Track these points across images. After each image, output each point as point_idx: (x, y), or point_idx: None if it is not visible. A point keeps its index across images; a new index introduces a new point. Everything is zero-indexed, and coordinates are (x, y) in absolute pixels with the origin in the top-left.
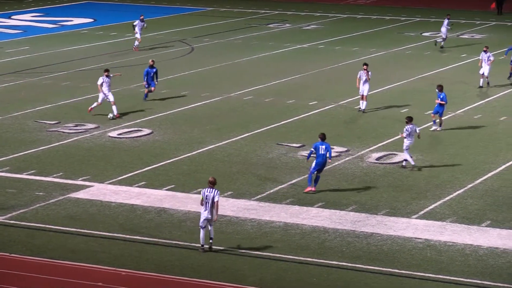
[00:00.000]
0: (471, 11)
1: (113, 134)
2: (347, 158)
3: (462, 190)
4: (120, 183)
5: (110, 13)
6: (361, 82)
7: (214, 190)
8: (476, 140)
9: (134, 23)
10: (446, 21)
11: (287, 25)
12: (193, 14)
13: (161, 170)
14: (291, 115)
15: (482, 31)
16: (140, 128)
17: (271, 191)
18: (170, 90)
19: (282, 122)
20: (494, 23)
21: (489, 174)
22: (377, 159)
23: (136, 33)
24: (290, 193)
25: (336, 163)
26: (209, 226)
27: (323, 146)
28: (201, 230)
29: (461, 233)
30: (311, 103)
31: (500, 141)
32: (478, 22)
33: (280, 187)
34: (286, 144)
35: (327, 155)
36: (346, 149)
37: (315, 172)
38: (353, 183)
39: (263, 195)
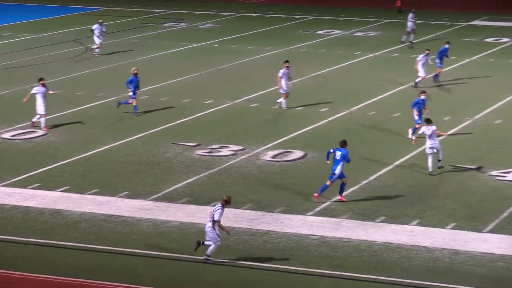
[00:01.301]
0: (365, 8)
1: (6, 135)
2: (243, 157)
3: (357, 187)
4: (13, 185)
5: (3, 13)
6: (283, 79)
7: (218, 206)
8: (370, 137)
9: (93, 27)
10: (410, 15)
11: (183, 24)
12: (88, 14)
13: (55, 172)
14: (187, 114)
15: (376, 28)
16: (34, 129)
17: (167, 190)
18: (65, 90)
19: (178, 121)
20: (387, 20)
21: (384, 170)
22: (273, 157)
23: (97, 37)
24: (186, 192)
25: (232, 162)
26: (210, 242)
27: (339, 153)
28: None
29: (356, 229)
30: (207, 102)
31: (393, 137)
32: (372, 20)
33: (176, 186)
34: (182, 143)
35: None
36: (242, 147)
37: (333, 180)
38: (249, 181)
39: (159, 194)
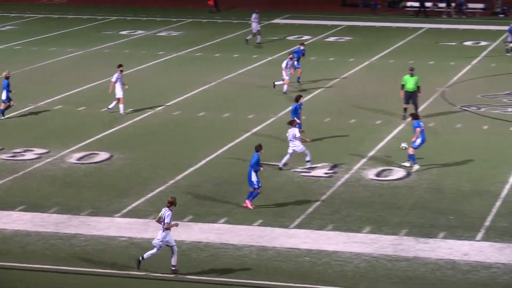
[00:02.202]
0: (167, 8)
1: None
2: (48, 160)
3: (164, 187)
4: None
5: None
6: (117, 84)
7: (166, 209)
8: (176, 137)
9: None
10: (254, 15)
11: None
12: None
13: None
14: None
15: (179, 28)
16: None
17: None
18: None
19: None
20: (190, 20)
21: (190, 170)
22: (78, 159)
23: None
24: None
25: (37, 165)
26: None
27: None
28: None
29: None
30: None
31: (199, 136)
32: (175, 19)
33: None
34: None
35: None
36: (46, 150)
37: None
38: (54, 185)
39: None
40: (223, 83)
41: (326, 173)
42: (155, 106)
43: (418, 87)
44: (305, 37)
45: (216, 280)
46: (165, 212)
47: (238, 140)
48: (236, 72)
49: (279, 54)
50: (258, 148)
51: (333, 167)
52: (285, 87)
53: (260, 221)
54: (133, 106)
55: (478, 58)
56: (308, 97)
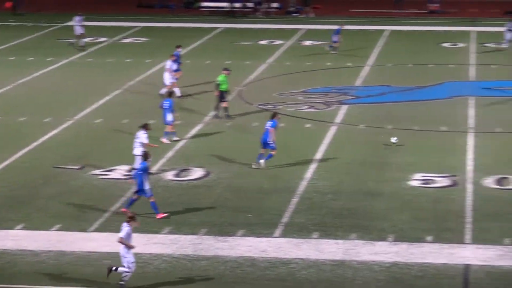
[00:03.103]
0: None
1: None
2: None
3: None
4: None
5: None
6: None
7: (125, 225)
8: None
9: None
10: (77, 18)
11: None
12: None
13: None
14: None
15: None
16: None
17: None
18: None
19: None
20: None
21: None
22: None
23: None
24: None
25: None
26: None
27: (141, 165)
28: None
29: None
30: None
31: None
32: None
33: None
34: None
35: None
36: None
37: (148, 195)
38: None
39: None
40: (18, 87)
41: (124, 176)
42: None
43: None
44: (101, 39)
45: (15, 287)
46: (123, 228)
47: (35, 144)
48: (31, 75)
49: (75, 57)
50: (146, 156)
51: (132, 169)
52: (177, 90)
53: (59, 225)
54: None
55: (274, 57)
56: (106, 99)
